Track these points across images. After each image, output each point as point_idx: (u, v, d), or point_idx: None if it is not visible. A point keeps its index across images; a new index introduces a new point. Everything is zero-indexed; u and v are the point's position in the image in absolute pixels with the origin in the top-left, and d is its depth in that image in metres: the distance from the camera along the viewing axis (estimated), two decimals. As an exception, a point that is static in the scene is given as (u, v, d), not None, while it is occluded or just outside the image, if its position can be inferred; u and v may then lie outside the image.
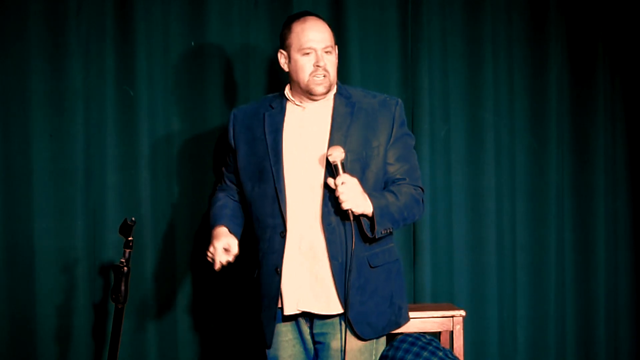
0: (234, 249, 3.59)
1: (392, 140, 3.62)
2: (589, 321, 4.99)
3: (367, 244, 3.56)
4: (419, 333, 4.07)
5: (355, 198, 3.43)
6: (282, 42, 3.67)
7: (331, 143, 3.54)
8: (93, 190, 4.45)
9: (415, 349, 3.90)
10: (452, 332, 4.43)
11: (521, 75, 4.94)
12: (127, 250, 3.64)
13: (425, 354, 3.89)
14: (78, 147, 4.44)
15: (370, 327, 3.59)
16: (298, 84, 3.62)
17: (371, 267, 3.58)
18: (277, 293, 3.57)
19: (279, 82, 4.69)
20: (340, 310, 3.54)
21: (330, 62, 3.61)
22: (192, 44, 4.58)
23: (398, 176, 3.62)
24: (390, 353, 3.91)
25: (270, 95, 3.80)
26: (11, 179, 4.38)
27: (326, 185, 3.50)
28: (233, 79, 4.62)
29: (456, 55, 4.86)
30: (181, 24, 4.58)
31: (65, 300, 4.42)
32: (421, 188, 3.68)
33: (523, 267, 4.93)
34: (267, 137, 3.62)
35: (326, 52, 3.59)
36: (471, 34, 4.87)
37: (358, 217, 3.49)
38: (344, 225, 3.50)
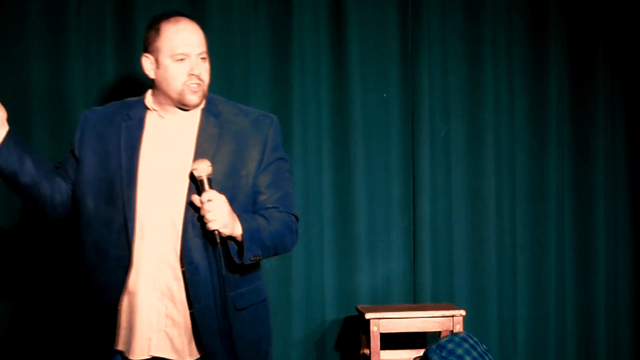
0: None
1: (262, 166, 3.16)
2: (589, 321, 4.99)
3: (233, 283, 3.11)
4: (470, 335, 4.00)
5: (223, 217, 2.98)
6: (148, 45, 3.15)
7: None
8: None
9: (474, 353, 3.84)
10: (452, 332, 4.43)
11: (521, 75, 4.94)
12: None
13: None
14: (78, 147, 4.43)
15: None
16: (167, 93, 3.11)
17: (236, 309, 3.12)
18: (113, 333, 3.10)
19: (278, 81, 4.69)
20: (196, 356, 3.11)
21: (205, 69, 3.13)
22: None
23: (269, 205, 3.15)
24: (449, 345, 3.82)
25: (130, 99, 3.27)
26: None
27: (190, 204, 3.04)
28: (233, 79, 4.62)
29: (456, 55, 4.86)
30: (181, 24, 4.57)
31: None
32: (295, 216, 3.21)
33: (523, 267, 4.93)
34: (122, 154, 3.10)
35: (201, 58, 3.12)
36: (471, 34, 4.87)
37: (225, 242, 3.05)
38: (208, 262, 3.06)
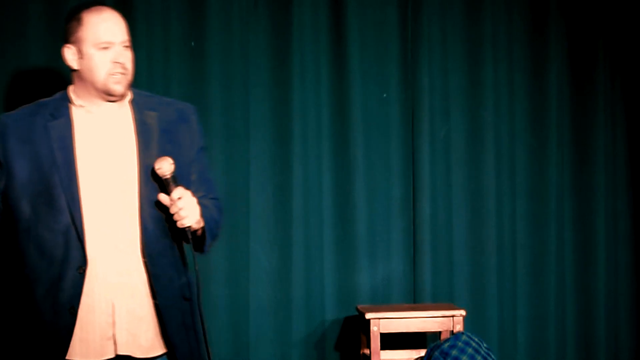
0: None
1: (193, 152, 3.20)
2: (589, 321, 4.99)
3: (181, 273, 3.15)
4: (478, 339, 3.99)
5: (195, 214, 3.01)
6: (69, 35, 3.10)
7: (142, 159, 3.08)
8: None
9: (479, 357, 3.83)
10: (452, 332, 4.43)
11: (521, 75, 4.94)
12: None
13: None
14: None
15: None
16: (92, 83, 3.06)
17: (185, 299, 3.15)
18: (67, 338, 3.00)
19: (278, 81, 4.69)
20: (163, 351, 3.11)
21: (129, 58, 3.09)
22: (192, 44, 4.58)
23: (201, 192, 3.16)
24: (453, 352, 3.80)
25: (44, 100, 3.17)
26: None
27: (158, 204, 3.03)
28: (233, 79, 4.62)
29: (456, 55, 4.86)
30: (181, 24, 4.58)
31: None
32: (218, 200, 3.28)
33: (523, 267, 4.93)
34: (56, 153, 3.02)
35: (124, 47, 3.08)
36: (471, 34, 4.87)
37: (195, 236, 3.08)
38: (167, 253, 3.08)
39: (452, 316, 4.46)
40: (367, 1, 4.76)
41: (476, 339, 3.80)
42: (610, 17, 4.99)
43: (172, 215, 3.00)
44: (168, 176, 3.01)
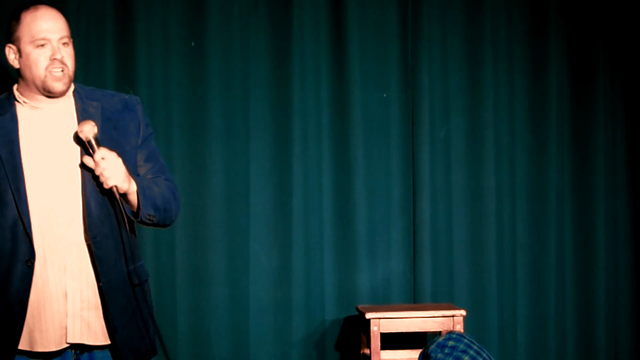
0: None
1: (139, 141, 3.21)
2: (589, 321, 4.99)
3: (130, 258, 3.13)
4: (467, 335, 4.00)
5: (120, 173, 3.01)
6: (10, 34, 3.12)
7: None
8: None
9: (472, 352, 3.83)
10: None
11: (521, 75, 4.94)
12: None
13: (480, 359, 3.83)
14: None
15: (133, 354, 3.14)
16: (32, 81, 3.08)
17: (134, 284, 3.13)
18: (17, 332, 3.02)
19: (278, 81, 4.69)
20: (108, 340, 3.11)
21: (68, 54, 3.10)
22: (192, 44, 4.59)
23: (151, 175, 3.22)
24: (450, 343, 3.81)
25: None
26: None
27: (83, 166, 3.05)
28: (233, 79, 4.62)
29: (456, 55, 4.86)
30: (181, 24, 4.58)
31: None
32: (175, 186, 3.30)
33: (523, 267, 4.93)
34: (0, 149, 3.06)
35: (63, 43, 3.09)
36: (471, 34, 4.87)
37: (123, 199, 3.07)
38: (112, 235, 3.08)
39: (452, 316, 4.46)
40: (367, 1, 4.76)
41: (468, 336, 3.82)
42: (610, 18, 4.99)
43: (99, 177, 3.01)
44: (91, 138, 3.01)
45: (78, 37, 4.44)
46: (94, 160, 3.01)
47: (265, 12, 4.67)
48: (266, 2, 4.67)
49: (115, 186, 3.01)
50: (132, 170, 3.14)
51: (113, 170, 3.00)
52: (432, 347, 3.74)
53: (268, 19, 4.67)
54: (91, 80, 4.44)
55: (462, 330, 4.43)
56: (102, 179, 3.00)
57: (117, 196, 3.01)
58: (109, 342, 3.09)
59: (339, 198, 4.76)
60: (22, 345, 3.06)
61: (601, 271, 4.99)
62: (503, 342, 4.87)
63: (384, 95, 4.80)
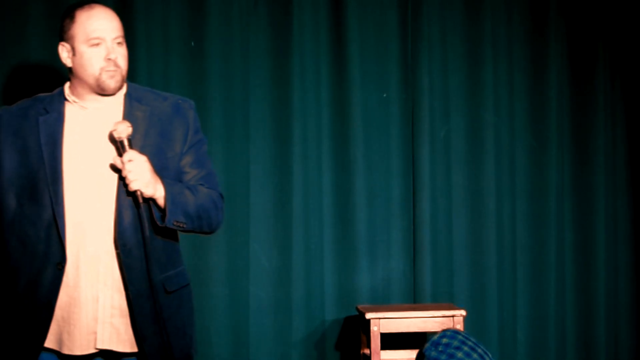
0: None
1: (186, 147, 3.19)
2: (589, 321, 4.99)
3: (162, 266, 3.11)
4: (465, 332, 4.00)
5: (145, 177, 2.99)
6: (63, 33, 3.11)
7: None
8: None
9: (465, 348, 3.83)
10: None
11: (521, 75, 4.94)
12: None
13: (475, 355, 3.83)
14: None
15: None
16: (85, 79, 3.08)
17: (167, 292, 3.12)
18: (43, 331, 3.04)
19: (278, 81, 4.69)
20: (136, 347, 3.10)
21: (122, 54, 3.10)
22: (192, 44, 4.59)
23: (193, 183, 3.18)
24: (444, 340, 3.81)
25: (43, 95, 3.20)
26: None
27: (113, 167, 3.04)
28: (233, 79, 4.62)
29: (456, 55, 4.86)
30: (181, 24, 4.58)
31: None
32: (221, 195, 3.25)
33: (523, 267, 4.93)
34: (43, 148, 3.05)
35: (117, 43, 3.09)
36: (471, 34, 4.87)
37: (148, 203, 3.05)
38: (142, 245, 3.04)
39: (452, 316, 4.46)
40: (367, 1, 4.76)
41: (463, 333, 3.82)
42: (610, 18, 4.99)
43: (125, 178, 3.00)
44: (124, 137, 3.01)
45: (78, 37, 4.45)
46: (121, 161, 3.01)
47: (265, 12, 4.67)
48: (266, 2, 4.67)
49: (139, 190, 3.00)
50: (174, 177, 3.14)
51: (138, 174, 2.99)
52: (427, 345, 3.74)
53: (268, 19, 4.67)
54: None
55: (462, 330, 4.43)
56: (127, 181, 3.00)
57: (140, 200, 3.00)
58: (137, 350, 3.09)
59: (339, 198, 4.76)
60: (51, 344, 3.08)
61: (601, 271, 4.99)
62: (503, 342, 4.87)
63: (384, 95, 4.80)
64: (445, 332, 3.76)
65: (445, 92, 4.84)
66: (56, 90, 3.18)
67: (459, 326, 4.44)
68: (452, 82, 4.85)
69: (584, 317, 4.99)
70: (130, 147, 3.01)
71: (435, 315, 4.47)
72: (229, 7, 4.62)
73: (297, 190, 4.70)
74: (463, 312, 4.46)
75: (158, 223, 3.05)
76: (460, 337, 3.79)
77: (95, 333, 3.05)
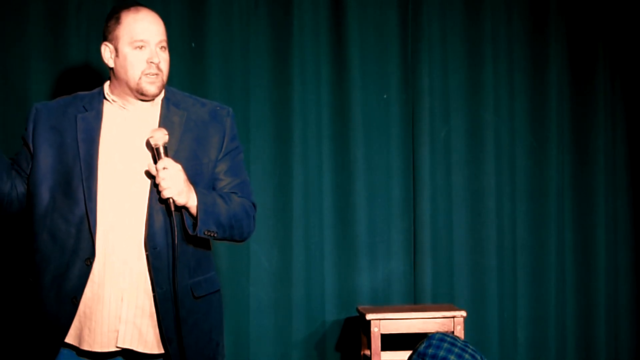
0: None
1: (221, 154, 3.20)
2: (589, 321, 5.00)
3: (191, 270, 3.12)
4: (453, 334, 4.02)
5: (178, 185, 2.99)
6: (108, 33, 3.13)
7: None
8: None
9: (456, 349, 3.85)
10: (452, 333, 4.43)
11: (521, 75, 4.94)
12: None
13: (466, 356, 3.85)
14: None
15: None
16: (126, 81, 3.09)
17: (195, 297, 3.12)
18: (66, 326, 3.05)
19: (278, 82, 4.69)
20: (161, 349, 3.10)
21: (164, 59, 3.12)
22: (192, 44, 4.58)
23: (227, 190, 3.20)
24: (430, 351, 3.84)
25: (83, 93, 3.22)
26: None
27: (147, 173, 3.06)
28: (233, 79, 4.62)
29: (456, 55, 4.86)
30: (181, 24, 4.58)
31: None
32: (253, 204, 3.26)
33: (523, 268, 4.93)
34: (79, 145, 3.08)
35: (161, 47, 3.11)
36: (471, 34, 4.87)
37: (180, 211, 3.06)
38: (170, 248, 3.04)
39: (453, 317, 4.46)
40: (367, 1, 4.76)
41: (451, 335, 3.82)
42: (610, 18, 4.99)
43: (158, 185, 3.01)
44: (160, 145, 3.02)
45: (78, 37, 4.44)
46: (156, 168, 3.02)
47: (265, 13, 4.67)
48: (266, 2, 4.67)
49: (172, 198, 3.01)
50: (208, 183, 3.15)
51: (172, 182, 3.00)
52: (414, 357, 3.74)
53: (268, 20, 4.67)
54: (92, 80, 4.44)
55: (462, 331, 4.43)
56: (160, 188, 3.01)
57: (172, 208, 3.01)
58: (162, 352, 3.09)
59: (339, 198, 4.76)
60: (70, 339, 3.09)
61: (601, 271, 5.00)
62: (503, 342, 4.87)
63: (384, 95, 4.79)
64: (430, 342, 3.75)
65: (445, 92, 4.84)
66: (96, 89, 3.20)
67: (460, 327, 4.44)
68: (452, 82, 4.85)
69: (584, 317, 5.00)
70: (166, 154, 3.03)
71: (436, 316, 4.47)
72: (229, 7, 4.62)
73: (297, 191, 4.70)
74: (463, 313, 4.46)
75: (189, 231, 3.06)
76: (445, 345, 3.80)
77: (118, 331, 3.05)
